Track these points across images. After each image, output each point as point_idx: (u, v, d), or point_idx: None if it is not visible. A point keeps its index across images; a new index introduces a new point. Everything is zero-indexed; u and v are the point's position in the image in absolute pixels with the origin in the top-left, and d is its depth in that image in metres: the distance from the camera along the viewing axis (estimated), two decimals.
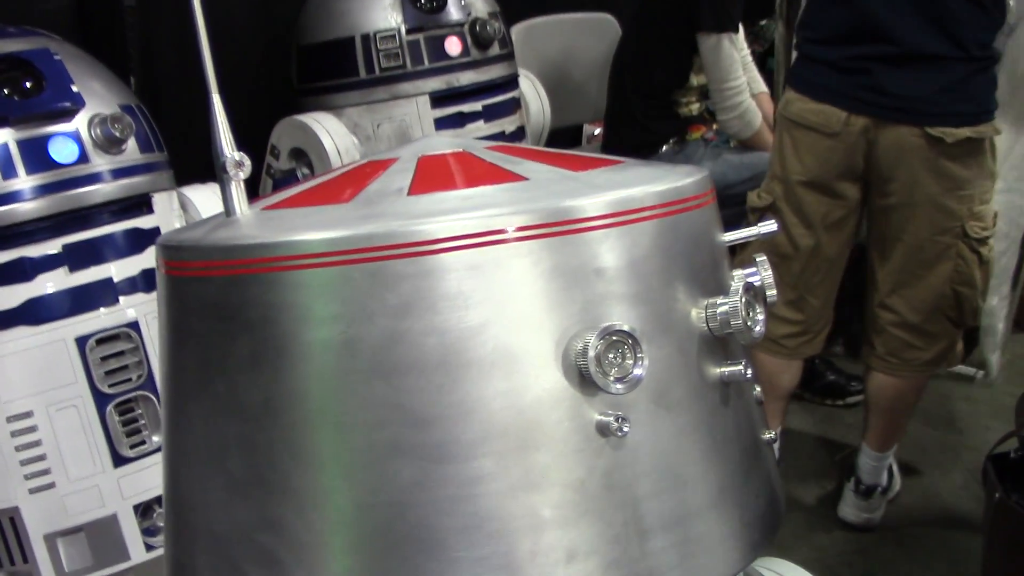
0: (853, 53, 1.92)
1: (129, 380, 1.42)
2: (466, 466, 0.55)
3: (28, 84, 1.37)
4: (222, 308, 0.59)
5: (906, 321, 2.06)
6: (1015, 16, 2.12)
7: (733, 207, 2.25)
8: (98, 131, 1.40)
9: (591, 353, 0.55)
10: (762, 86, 3.00)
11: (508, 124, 2.18)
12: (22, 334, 1.35)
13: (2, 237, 1.35)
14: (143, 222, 1.47)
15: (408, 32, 1.99)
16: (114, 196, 1.43)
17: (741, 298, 0.62)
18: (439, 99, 2.04)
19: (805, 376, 2.45)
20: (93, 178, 1.41)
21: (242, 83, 2.28)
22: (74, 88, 1.41)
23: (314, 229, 0.57)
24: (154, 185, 1.50)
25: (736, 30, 2.75)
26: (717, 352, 0.63)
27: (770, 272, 0.67)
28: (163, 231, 1.49)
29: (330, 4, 2.07)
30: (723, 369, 0.63)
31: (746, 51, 2.97)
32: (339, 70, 2.03)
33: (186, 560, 0.63)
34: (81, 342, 1.39)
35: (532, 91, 2.42)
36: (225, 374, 0.59)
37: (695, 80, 2.87)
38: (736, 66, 2.73)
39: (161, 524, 1.42)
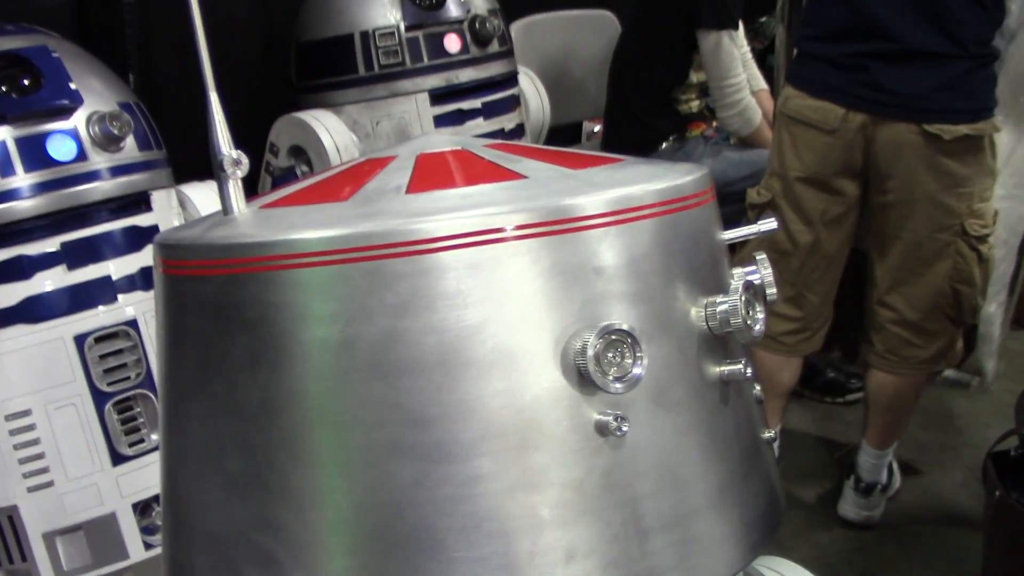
0: (851, 50, 1.92)
1: (128, 378, 1.42)
2: (465, 466, 0.55)
3: (26, 82, 1.37)
4: (220, 307, 0.59)
5: (905, 319, 2.06)
6: (1016, 22, 2.12)
7: (733, 204, 2.25)
8: (96, 129, 1.40)
9: (590, 352, 0.55)
10: (762, 83, 2.99)
11: (507, 121, 2.18)
12: (20, 332, 1.35)
13: (0, 235, 1.34)
14: (142, 220, 1.47)
15: (407, 29, 1.99)
16: (112, 194, 1.43)
17: (741, 297, 0.62)
18: (438, 96, 2.04)
19: (805, 373, 2.45)
20: (91, 176, 1.40)
21: (241, 80, 2.27)
22: (72, 86, 1.40)
23: (312, 228, 0.57)
24: (153, 183, 1.50)
25: (736, 27, 2.74)
26: (717, 351, 0.63)
27: (770, 270, 0.67)
28: (162, 229, 1.49)
29: (329, 1, 2.06)
30: (723, 368, 0.63)
31: (746, 48, 2.96)
32: (338, 67, 2.03)
33: (184, 560, 0.63)
34: (79, 340, 1.38)
35: (532, 88, 2.41)
36: (223, 373, 0.59)
37: (695, 77, 2.87)
38: (736, 63, 2.72)
39: (160, 522, 1.42)
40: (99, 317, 1.41)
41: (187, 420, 0.62)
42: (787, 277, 2.08)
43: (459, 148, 0.70)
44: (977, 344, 2.49)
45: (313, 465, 0.56)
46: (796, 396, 2.71)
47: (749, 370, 0.63)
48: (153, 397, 1.43)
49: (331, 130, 1.96)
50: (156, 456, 1.44)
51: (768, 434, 0.70)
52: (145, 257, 1.45)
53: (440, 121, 2.05)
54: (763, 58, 3.26)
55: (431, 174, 0.65)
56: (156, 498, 1.44)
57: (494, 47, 2.11)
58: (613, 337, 0.56)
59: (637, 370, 0.56)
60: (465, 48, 2.05)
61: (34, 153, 1.35)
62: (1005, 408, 2.27)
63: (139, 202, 1.48)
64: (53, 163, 1.37)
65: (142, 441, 1.44)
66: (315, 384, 0.56)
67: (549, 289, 0.56)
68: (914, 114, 1.88)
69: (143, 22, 2.04)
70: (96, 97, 1.43)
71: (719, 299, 0.62)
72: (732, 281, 0.65)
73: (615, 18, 3.19)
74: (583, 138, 3.51)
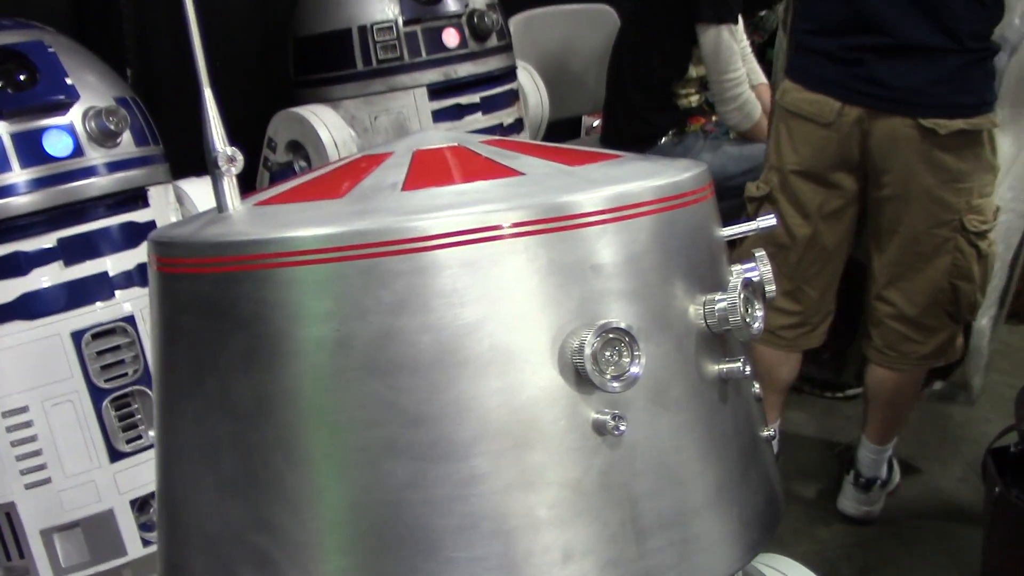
0: (848, 43, 1.91)
1: (125, 375, 1.42)
2: (461, 465, 0.55)
3: (22, 77, 1.36)
4: (214, 305, 0.58)
5: (903, 314, 2.06)
6: (1017, 34, 2.11)
7: (732, 199, 2.25)
8: (93, 124, 1.39)
9: (587, 351, 0.54)
10: (761, 77, 2.99)
11: (506, 116, 2.17)
12: (17, 329, 1.35)
13: None
14: (139, 216, 1.47)
15: (405, 24, 1.98)
16: (109, 190, 1.42)
17: (739, 294, 0.61)
18: (437, 91, 2.03)
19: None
20: (88, 172, 1.40)
21: (239, 75, 2.27)
22: (68, 81, 1.40)
23: (307, 225, 0.56)
24: (150, 178, 1.49)
25: (736, 21, 2.74)
26: (715, 349, 0.62)
27: (769, 267, 0.66)
28: (159, 225, 1.48)
29: None
30: (721, 366, 0.62)
31: (745, 42, 2.96)
32: (336, 62, 2.02)
33: (179, 560, 0.63)
34: (77, 337, 1.38)
35: (530, 83, 2.40)
36: (217, 372, 0.58)
37: (694, 72, 2.86)
38: (735, 57, 2.72)
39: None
40: (96, 313, 1.40)
41: (182, 419, 0.62)
42: (785, 271, 2.08)
43: (455, 144, 0.69)
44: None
45: (308, 465, 0.56)
46: (795, 391, 2.71)
47: (748, 368, 0.63)
48: (151, 393, 1.42)
49: (329, 125, 1.96)
50: (153, 453, 1.43)
51: (767, 432, 0.69)
52: (142, 253, 1.44)
53: (438, 116, 2.05)
54: (762, 52, 3.25)
55: (427, 171, 0.64)
56: (154, 495, 1.43)
57: (492, 42, 2.10)
58: (611, 336, 0.55)
59: (635, 369, 0.56)
60: (463, 43, 2.04)
61: (30, 149, 1.35)
62: (1005, 403, 2.27)
63: (136, 198, 1.47)
64: (49, 159, 1.36)
65: (140, 438, 1.43)
66: (310, 383, 0.56)
67: (546, 287, 0.56)
68: (910, 108, 1.88)
69: (140, 16, 2.03)
70: (92, 92, 1.42)
71: (718, 297, 0.61)
72: (731, 278, 0.64)
73: (614, 12, 3.18)
74: (582, 133, 3.50)
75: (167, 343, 0.63)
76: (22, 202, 1.34)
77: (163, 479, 0.65)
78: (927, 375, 2.25)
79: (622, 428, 0.55)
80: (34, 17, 1.52)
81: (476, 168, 0.65)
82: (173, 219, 1.52)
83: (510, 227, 0.55)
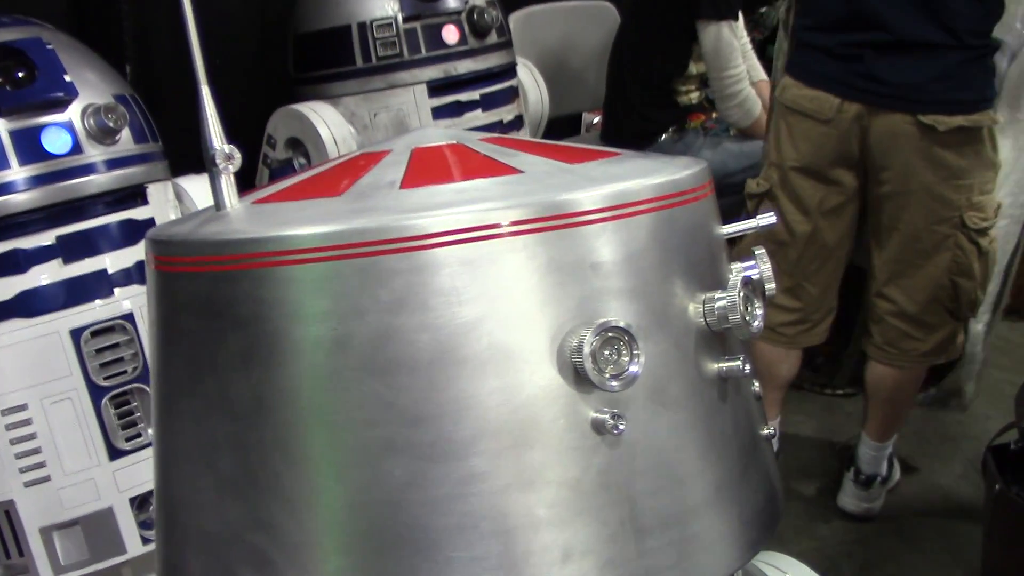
0: (847, 40, 1.91)
1: (124, 372, 1.41)
2: (460, 465, 0.54)
3: (20, 74, 1.36)
4: (212, 304, 0.58)
5: (904, 311, 2.06)
6: (1017, 41, 2.11)
7: (732, 196, 2.24)
8: (91, 121, 1.39)
9: (586, 350, 0.54)
10: (762, 74, 2.98)
11: (506, 113, 2.16)
12: (16, 327, 1.34)
13: None
14: (138, 213, 1.46)
15: (405, 20, 1.98)
16: (108, 187, 1.42)
17: (739, 292, 0.61)
18: (437, 88, 2.03)
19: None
20: (87, 169, 1.39)
21: (238, 72, 2.26)
22: (67, 78, 1.39)
23: (304, 224, 0.56)
24: (149, 176, 1.49)
25: (736, 18, 2.73)
26: (715, 347, 0.62)
27: (769, 265, 0.66)
28: (158, 222, 1.48)
29: None
30: (721, 365, 0.62)
31: (746, 39, 2.95)
32: (336, 59, 2.02)
33: (177, 560, 0.62)
34: (76, 334, 1.37)
35: (530, 80, 2.40)
36: (215, 371, 0.58)
37: (694, 68, 2.86)
38: (736, 54, 2.71)
39: None
40: (95, 311, 1.40)
41: (180, 418, 0.61)
42: (785, 268, 2.07)
43: (454, 142, 0.69)
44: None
45: (306, 464, 0.56)
46: (795, 387, 2.71)
47: (747, 367, 0.62)
48: (150, 391, 1.42)
49: (329, 122, 1.95)
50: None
51: (767, 431, 0.69)
52: (141, 251, 1.44)
53: (438, 113, 2.04)
54: (763, 49, 3.25)
55: (426, 169, 0.64)
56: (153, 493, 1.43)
57: (492, 38, 2.09)
58: (610, 334, 0.55)
59: (634, 368, 0.56)
60: (463, 39, 2.04)
61: (29, 146, 1.34)
62: (1005, 399, 2.27)
63: (135, 195, 1.47)
64: (48, 156, 1.36)
65: (139, 435, 1.43)
66: (308, 382, 0.55)
67: (545, 285, 0.56)
68: (908, 105, 1.87)
69: (140, 13, 2.03)
70: (91, 89, 1.42)
71: (717, 295, 0.61)
72: (731, 276, 0.64)
73: (614, 9, 3.17)
74: (582, 129, 3.50)
75: (165, 342, 0.63)
76: (21, 199, 1.34)
77: (161, 479, 0.65)
78: (925, 375, 2.25)
79: (621, 427, 0.55)
80: (33, 14, 1.51)
81: (475, 166, 0.64)
82: (172, 216, 1.52)
83: (509, 225, 0.55)
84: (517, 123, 2.22)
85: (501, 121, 2.14)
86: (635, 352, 0.56)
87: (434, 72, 2.02)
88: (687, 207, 0.62)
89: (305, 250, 0.55)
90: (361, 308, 0.54)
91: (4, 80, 1.34)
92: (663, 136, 2.87)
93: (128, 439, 1.42)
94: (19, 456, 1.35)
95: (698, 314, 0.61)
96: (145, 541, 1.42)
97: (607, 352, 0.55)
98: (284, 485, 0.56)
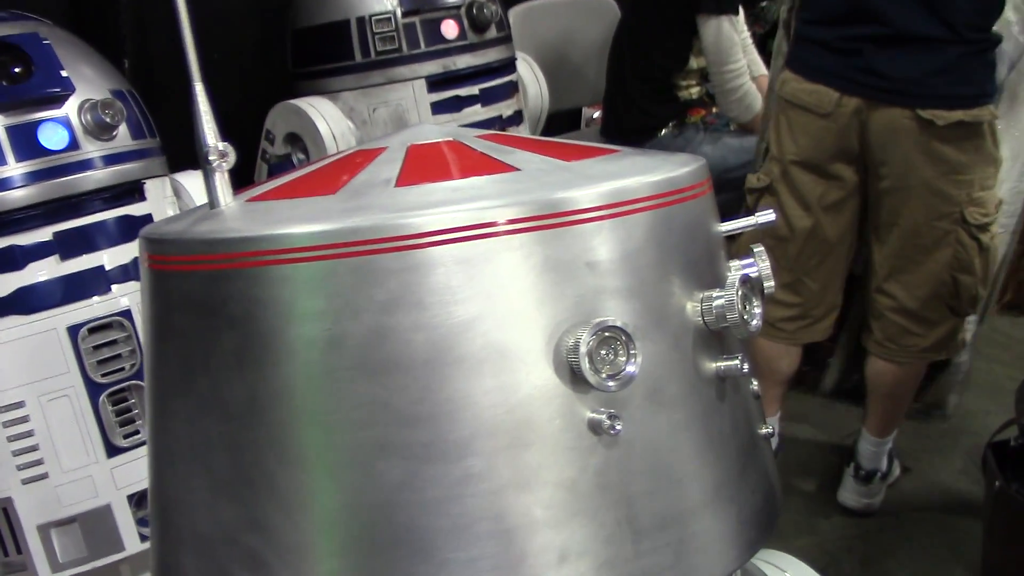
0: (846, 34, 1.90)
1: (122, 369, 1.41)
2: (456, 465, 0.54)
3: (17, 69, 1.35)
4: (205, 303, 0.58)
5: (904, 307, 2.05)
6: (1016, 50, 2.11)
7: (732, 191, 2.23)
8: (88, 117, 1.38)
9: (583, 349, 0.54)
10: (762, 68, 2.98)
11: (505, 108, 2.16)
12: (13, 323, 1.34)
13: None
14: (135, 209, 1.46)
15: (404, 15, 1.97)
16: (105, 183, 1.41)
17: (737, 291, 0.60)
18: (435, 83, 2.02)
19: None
20: (84, 165, 1.39)
21: (236, 67, 2.26)
22: (64, 73, 1.39)
23: (298, 222, 0.56)
24: (146, 172, 1.48)
25: (736, 12, 2.72)
26: (713, 346, 0.62)
27: (767, 263, 0.66)
28: (156, 218, 1.47)
29: None
30: (719, 364, 0.61)
31: (746, 33, 2.95)
32: (334, 54, 2.01)
33: (172, 561, 0.62)
34: (73, 331, 1.37)
35: (530, 74, 2.39)
36: (209, 371, 0.58)
37: (695, 63, 2.85)
38: (736, 49, 2.71)
39: None
40: (93, 307, 1.39)
41: (173, 418, 0.61)
42: (784, 263, 2.07)
43: (450, 139, 0.68)
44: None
45: (301, 465, 0.55)
46: (795, 383, 2.70)
47: (746, 366, 0.62)
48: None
49: (327, 117, 1.95)
50: None
51: (765, 430, 0.69)
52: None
53: (437, 108, 2.03)
54: (763, 43, 3.24)
55: (422, 166, 0.64)
56: None
57: (492, 33, 2.09)
58: (607, 334, 0.55)
59: (631, 368, 0.55)
60: (462, 34, 2.03)
61: (25, 142, 1.34)
62: (1005, 395, 2.26)
63: (132, 191, 1.46)
64: (45, 152, 1.35)
65: (137, 432, 1.42)
66: (302, 382, 0.55)
67: (541, 284, 0.55)
68: (907, 99, 1.87)
69: (137, 8, 2.02)
70: (88, 85, 1.41)
71: (715, 294, 0.60)
72: (729, 275, 0.64)
73: (614, 3, 3.17)
74: (582, 124, 3.49)
75: (159, 341, 0.62)
76: (17, 196, 1.33)
77: (155, 479, 0.65)
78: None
79: (618, 427, 0.54)
80: (29, 9, 1.50)
81: (471, 163, 0.64)
82: (169, 212, 1.51)
83: (505, 224, 0.54)
84: (517, 118, 2.21)
85: (500, 116, 2.14)
86: (632, 352, 0.55)
87: (433, 67, 2.01)
88: (685, 205, 0.62)
89: (299, 249, 0.54)
90: (355, 307, 0.54)
91: (0, 75, 1.34)
92: (663, 131, 2.86)
93: (126, 436, 1.41)
94: (16, 453, 1.34)
95: (696, 313, 0.60)
96: (143, 539, 1.41)
97: (604, 352, 0.54)
98: (278, 486, 0.55)
